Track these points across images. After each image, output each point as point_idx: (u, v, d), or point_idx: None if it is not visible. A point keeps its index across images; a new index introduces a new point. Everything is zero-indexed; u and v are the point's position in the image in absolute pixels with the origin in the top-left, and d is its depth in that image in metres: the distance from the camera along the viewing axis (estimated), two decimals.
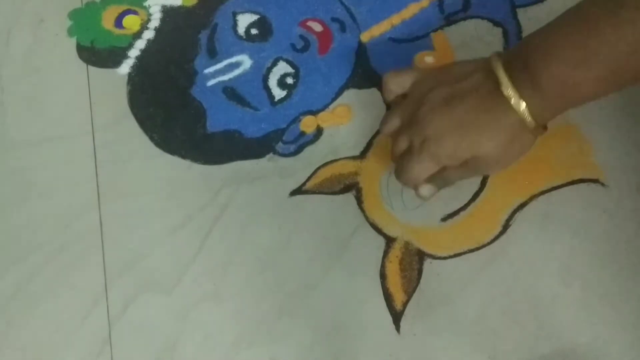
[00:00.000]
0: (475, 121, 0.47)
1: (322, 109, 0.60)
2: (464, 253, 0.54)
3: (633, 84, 0.43)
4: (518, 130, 0.46)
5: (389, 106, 0.57)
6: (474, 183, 0.56)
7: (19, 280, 0.55)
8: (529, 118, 0.45)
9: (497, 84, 0.46)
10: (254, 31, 0.63)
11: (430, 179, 0.51)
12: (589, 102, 0.45)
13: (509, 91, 0.45)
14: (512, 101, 0.45)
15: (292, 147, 0.59)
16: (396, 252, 0.54)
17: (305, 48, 0.62)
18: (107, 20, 0.65)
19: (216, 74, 0.62)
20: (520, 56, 0.45)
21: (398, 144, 0.52)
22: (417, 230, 0.55)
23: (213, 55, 0.62)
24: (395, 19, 0.63)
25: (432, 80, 0.50)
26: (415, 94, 0.51)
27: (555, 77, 0.44)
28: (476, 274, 0.53)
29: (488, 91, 0.47)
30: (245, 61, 0.62)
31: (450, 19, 0.62)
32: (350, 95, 0.60)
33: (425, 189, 0.52)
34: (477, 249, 0.54)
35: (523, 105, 0.45)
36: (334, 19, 0.63)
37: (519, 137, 0.47)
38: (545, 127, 0.48)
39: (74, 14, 0.65)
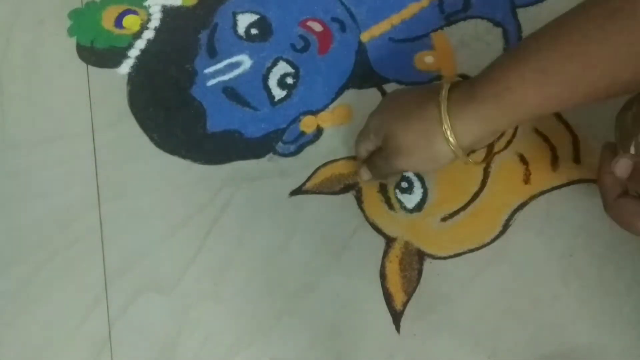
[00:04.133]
0: (403, 106, 0.49)
1: (322, 109, 0.60)
2: (464, 253, 0.54)
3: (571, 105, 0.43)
4: (434, 128, 0.46)
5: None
6: (474, 183, 0.56)
7: (19, 280, 0.56)
8: (448, 128, 0.45)
9: (437, 93, 0.47)
10: (254, 31, 0.63)
11: (367, 164, 0.55)
12: (538, 118, 0.45)
13: (442, 94, 0.46)
14: (444, 127, 0.46)
15: (292, 147, 0.59)
16: (396, 252, 0.54)
17: (305, 48, 0.62)
18: (107, 20, 0.65)
19: (216, 74, 0.62)
20: (474, 78, 0.46)
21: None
22: (417, 230, 0.55)
23: (213, 55, 0.62)
24: (395, 19, 0.63)
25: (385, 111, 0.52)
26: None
27: (490, 80, 0.44)
28: (476, 274, 0.53)
29: (429, 91, 0.48)
30: (245, 61, 0.62)
31: (450, 19, 0.62)
32: (350, 95, 0.60)
33: (361, 170, 0.55)
34: (477, 249, 0.54)
35: (449, 132, 0.46)
36: (334, 19, 0.63)
37: (432, 139, 0.47)
38: (487, 155, 0.49)
39: (74, 14, 0.65)
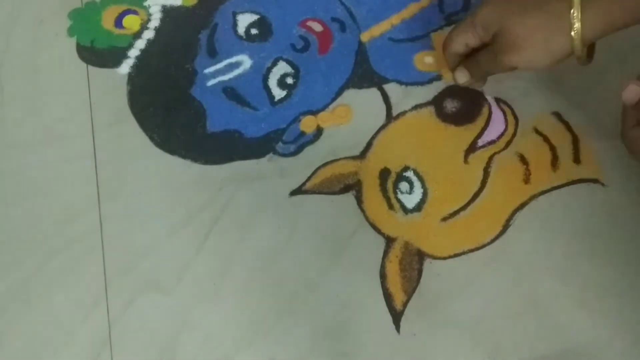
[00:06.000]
0: (536, 22, 0.47)
1: (322, 109, 0.60)
2: (464, 253, 0.54)
3: None
4: (554, 22, 0.45)
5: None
6: (474, 183, 0.56)
7: (19, 280, 0.55)
8: (576, 15, 0.44)
9: None
10: (254, 31, 0.63)
11: (465, 64, 0.53)
12: None
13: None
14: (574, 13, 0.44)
15: (292, 147, 0.59)
16: (396, 252, 0.54)
17: (305, 48, 0.62)
18: (107, 20, 0.65)
19: (216, 74, 0.62)
20: None
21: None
22: (417, 230, 0.55)
23: (213, 55, 0.62)
24: (395, 19, 0.63)
25: None
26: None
27: None
28: (476, 274, 0.53)
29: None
30: (245, 61, 0.62)
31: (450, 19, 0.62)
32: (350, 95, 0.60)
33: (459, 72, 0.54)
34: (477, 249, 0.54)
35: (578, 16, 0.44)
36: (334, 19, 0.63)
37: (552, 30, 0.46)
38: (590, 52, 0.47)
39: (73, 14, 0.65)
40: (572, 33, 0.45)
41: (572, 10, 0.45)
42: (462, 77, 0.54)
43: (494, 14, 0.49)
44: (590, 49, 0.50)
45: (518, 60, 0.49)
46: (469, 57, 0.53)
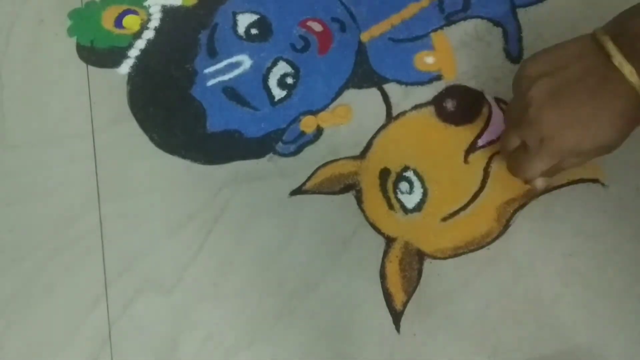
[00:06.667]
0: (592, 111, 0.45)
1: (322, 109, 0.60)
2: (464, 253, 0.54)
3: None
4: (634, 105, 0.44)
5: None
6: (474, 183, 0.56)
7: (19, 280, 0.56)
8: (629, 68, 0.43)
9: (606, 59, 0.44)
10: (254, 31, 0.63)
11: (546, 174, 0.51)
12: None
13: (620, 60, 0.43)
14: (625, 70, 0.43)
15: (292, 147, 0.59)
16: (396, 252, 0.54)
17: (305, 48, 0.62)
18: (107, 20, 0.65)
19: (216, 74, 0.62)
20: (620, 23, 0.44)
21: (509, 142, 0.51)
22: (417, 230, 0.55)
23: (213, 55, 0.62)
24: (395, 19, 0.63)
25: (531, 74, 0.47)
26: (517, 95, 0.49)
27: None
28: (476, 274, 0.53)
29: (598, 70, 0.44)
30: (245, 61, 0.62)
31: (450, 19, 0.62)
32: (350, 95, 0.60)
33: (540, 182, 0.52)
34: (477, 249, 0.54)
35: (632, 71, 0.43)
36: (334, 19, 0.63)
37: (635, 112, 0.44)
38: None
39: (73, 14, 0.65)
40: (633, 85, 0.44)
41: (620, 68, 0.43)
42: (545, 184, 0.52)
43: (583, 146, 0.46)
44: None
45: (616, 148, 0.47)
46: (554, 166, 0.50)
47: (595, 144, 0.46)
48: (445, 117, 0.58)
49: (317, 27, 0.63)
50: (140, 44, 0.63)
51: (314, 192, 0.57)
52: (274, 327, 0.53)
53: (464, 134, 0.57)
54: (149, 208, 0.57)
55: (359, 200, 0.56)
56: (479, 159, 0.57)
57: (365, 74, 0.61)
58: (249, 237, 0.56)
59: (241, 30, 0.63)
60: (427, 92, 0.59)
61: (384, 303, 0.53)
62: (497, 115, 0.58)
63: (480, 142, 0.57)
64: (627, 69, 0.43)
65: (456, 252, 0.54)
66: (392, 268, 0.54)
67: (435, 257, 0.54)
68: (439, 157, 0.57)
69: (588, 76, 0.45)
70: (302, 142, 0.59)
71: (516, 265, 0.53)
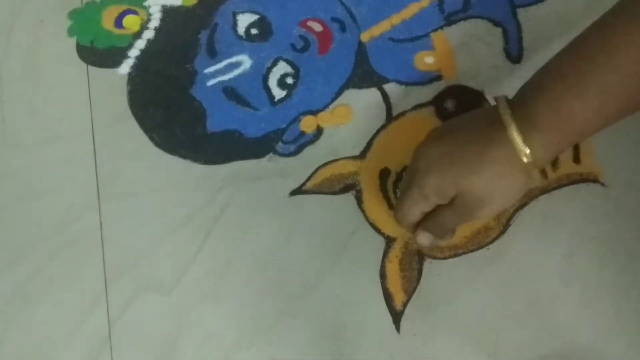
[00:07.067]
0: (463, 153, 0.45)
1: (322, 109, 0.60)
2: (464, 253, 0.54)
3: (632, 112, 0.42)
4: (508, 166, 0.44)
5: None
6: None
7: (19, 280, 0.56)
8: (525, 151, 0.43)
9: (499, 122, 0.44)
10: (254, 31, 0.63)
11: (425, 226, 0.50)
12: (590, 135, 0.44)
13: (513, 132, 0.43)
14: (515, 140, 0.43)
15: (292, 147, 0.59)
16: (396, 252, 0.54)
17: (305, 48, 0.62)
18: (107, 20, 0.65)
19: (216, 74, 0.62)
20: (521, 95, 0.45)
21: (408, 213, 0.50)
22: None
23: (213, 55, 0.62)
24: (395, 19, 0.63)
25: (425, 143, 0.49)
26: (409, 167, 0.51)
27: (548, 107, 0.42)
28: (476, 274, 0.53)
29: (487, 124, 0.45)
30: (245, 61, 0.62)
31: (450, 19, 0.62)
32: (350, 95, 0.60)
33: (421, 236, 0.51)
34: (477, 249, 0.54)
35: (519, 140, 0.43)
36: (334, 19, 0.63)
37: (509, 174, 0.44)
38: (544, 173, 0.46)
39: (73, 14, 0.65)
40: (532, 173, 0.44)
41: (520, 156, 0.43)
42: (426, 239, 0.50)
43: (445, 181, 0.46)
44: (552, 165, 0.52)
45: (488, 212, 0.47)
46: (426, 219, 0.50)
47: (457, 186, 0.45)
48: (445, 117, 0.58)
49: (317, 27, 0.63)
50: (140, 44, 0.63)
51: (314, 192, 0.57)
52: (274, 327, 0.53)
53: None
54: (149, 208, 0.57)
55: (359, 200, 0.56)
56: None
57: (365, 74, 0.61)
58: (249, 237, 0.56)
59: (241, 30, 0.63)
60: (427, 92, 0.59)
61: (384, 303, 0.53)
62: None
63: None
64: (517, 140, 0.43)
65: (456, 252, 0.54)
66: (392, 268, 0.54)
67: (435, 257, 0.54)
68: None
69: (476, 126, 0.46)
70: (302, 142, 0.59)
71: (516, 265, 0.53)
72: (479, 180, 0.45)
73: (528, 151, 0.43)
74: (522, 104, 0.44)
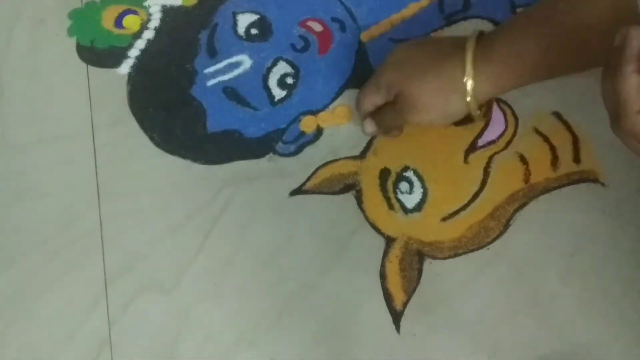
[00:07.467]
0: (421, 62, 0.51)
1: (322, 109, 0.60)
2: (464, 253, 0.54)
3: (576, 69, 0.47)
4: (451, 85, 0.48)
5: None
6: (474, 183, 0.56)
7: (19, 280, 0.56)
8: (470, 74, 0.48)
9: (462, 48, 0.48)
10: (254, 31, 0.63)
11: (372, 116, 0.55)
12: (533, 82, 0.48)
13: (468, 55, 0.48)
14: (467, 62, 0.48)
15: (292, 147, 0.59)
16: (396, 252, 0.54)
17: (305, 48, 0.62)
18: (107, 20, 0.65)
19: (216, 73, 0.62)
20: (490, 32, 0.50)
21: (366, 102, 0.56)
22: (417, 231, 0.55)
23: (213, 55, 0.62)
24: (395, 19, 0.63)
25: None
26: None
27: (505, 41, 0.47)
28: (476, 274, 0.53)
29: (450, 47, 0.49)
30: (245, 61, 0.62)
31: (450, 19, 0.62)
32: (350, 95, 0.60)
33: (366, 123, 0.56)
34: (477, 249, 0.54)
35: (470, 64, 0.48)
36: (334, 19, 0.63)
37: (449, 93, 0.49)
38: (488, 111, 0.52)
39: (74, 14, 0.65)
40: (467, 98, 0.49)
41: (464, 78, 0.48)
42: (369, 127, 0.56)
43: (395, 76, 0.52)
44: (488, 107, 0.55)
45: (418, 120, 0.52)
46: (375, 112, 0.55)
47: (402, 85, 0.51)
48: None
49: (317, 27, 0.63)
50: (140, 44, 0.63)
51: (314, 192, 0.57)
52: (274, 327, 0.53)
53: (464, 134, 0.57)
54: (149, 208, 0.57)
55: (359, 200, 0.56)
56: (479, 159, 0.57)
57: (365, 74, 0.61)
58: (249, 237, 0.56)
59: (241, 30, 0.63)
60: None
61: (384, 303, 0.53)
62: (497, 115, 0.58)
63: (480, 142, 0.57)
64: (469, 83, 0.48)
65: (456, 252, 0.54)
66: (392, 268, 0.54)
67: (435, 257, 0.54)
68: (439, 157, 0.57)
69: (440, 46, 0.51)
70: (302, 142, 0.59)
71: (516, 265, 0.53)
72: (421, 88, 0.50)
73: (471, 76, 0.48)
74: (487, 38, 0.49)
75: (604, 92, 0.38)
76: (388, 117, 0.54)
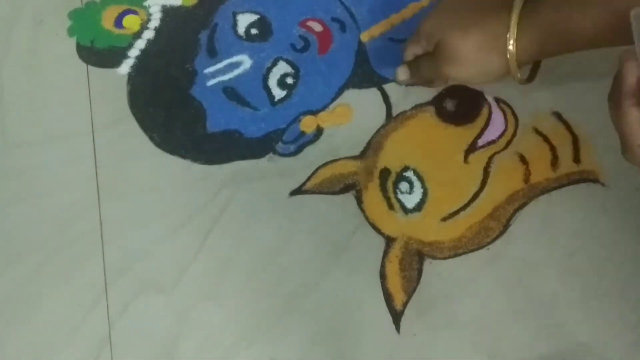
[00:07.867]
0: (465, 14, 0.50)
1: (322, 109, 0.60)
2: (464, 253, 0.54)
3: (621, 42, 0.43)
4: (493, 43, 0.48)
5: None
6: (474, 183, 0.56)
7: (19, 280, 0.56)
8: (514, 35, 0.47)
9: (509, 6, 0.47)
10: (254, 31, 0.63)
11: (409, 64, 0.56)
12: (577, 49, 0.47)
13: (514, 15, 0.47)
14: (512, 22, 0.47)
15: (292, 147, 0.59)
16: (396, 252, 0.54)
17: (305, 48, 0.62)
18: (107, 20, 0.65)
19: (216, 74, 0.62)
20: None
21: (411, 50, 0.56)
22: (417, 231, 0.55)
23: (213, 55, 0.62)
24: (395, 19, 0.63)
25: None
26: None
27: (553, 6, 0.46)
28: (476, 274, 0.53)
29: (498, 4, 0.48)
30: (245, 61, 0.62)
31: None
32: (350, 95, 0.60)
33: (400, 70, 0.56)
34: (477, 249, 0.54)
35: (514, 23, 0.47)
36: (334, 19, 0.63)
37: (489, 51, 0.48)
38: (532, 74, 0.50)
39: (74, 14, 0.65)
40: (507, 55, 0.48)
41: (507, 35, 0.47)
42: (401, 75, 0.56)
43: (437, 25, 0.51)
44: (533, 70, 0.53)
45: (455, 74, 0.52)
46: (412, 60, 0.56)
47: (442, 34, 0.50)
48: (445, 117, 0.58)
49: (317, 27, 0.63)
50: (140, 44, 0.63)
51: (313, 192, 0.57)
52: (274, 327, 0.53)
53: (464, 134, 0.57)
54: (149, 208, 0.57)
55: (359, 200, 0.56)
56: (479, 159, 0.57)
57: (365, 74, 0.61)
58: (249, 237, 0.56)
59: (241, 30, 0.63)
60: (427, 92, 0.59)
61: (384, 303, 0.53)
62: (497, 115, 0.58)
63: (480, 142, 0.57)
64: (512, 41, 0.47)
65: (456, 252, 0.54)
66: (392, 268, 0.54)
67: (435, 257, 0.54)
68: (439, 157, 0.57)
69: (486, 9, 0.50)
70: (302, 142, 0.59)
71: (516, 265, 0.53)
72: (462, 40, 0.49)
73: (514, 37, 0.47)
74: (536, 1, 0.47)
75: (611, 116, 0.39)
76: (424, 66, 0.54)
